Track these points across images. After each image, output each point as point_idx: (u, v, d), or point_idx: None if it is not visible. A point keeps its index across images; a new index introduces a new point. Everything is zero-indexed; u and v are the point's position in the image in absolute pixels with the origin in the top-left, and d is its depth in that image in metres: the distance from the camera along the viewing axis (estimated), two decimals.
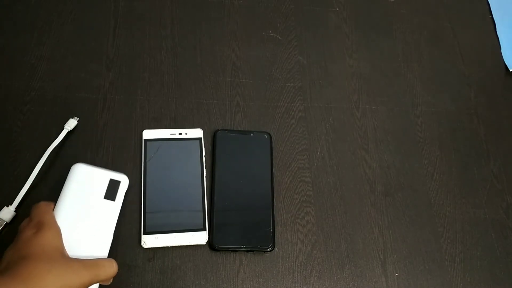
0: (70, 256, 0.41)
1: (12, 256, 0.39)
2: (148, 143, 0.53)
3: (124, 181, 0.49)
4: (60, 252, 0.41)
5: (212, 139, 0.55)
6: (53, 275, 0.37)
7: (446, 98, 0.64)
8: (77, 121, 0.53)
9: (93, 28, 0.60)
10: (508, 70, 0.68)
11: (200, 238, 0.49)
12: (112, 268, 0.43)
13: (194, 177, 0.52)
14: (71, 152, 0.52)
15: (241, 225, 0.51)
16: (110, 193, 0.48)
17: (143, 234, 0.49)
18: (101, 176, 0.49)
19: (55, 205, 0.45)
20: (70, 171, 0.48)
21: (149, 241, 0.48)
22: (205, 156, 0.54)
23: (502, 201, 0.58)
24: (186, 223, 0.50)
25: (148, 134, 0.54)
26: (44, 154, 0.50)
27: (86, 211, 0.46)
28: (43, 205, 0.44)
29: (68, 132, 0.52)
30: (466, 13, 0.71)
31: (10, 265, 0.38)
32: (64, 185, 0.47)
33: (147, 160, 0.52)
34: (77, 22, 0.60)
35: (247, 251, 0.50)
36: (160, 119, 0.56)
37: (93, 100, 0.56)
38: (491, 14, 0.72)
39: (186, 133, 0.55)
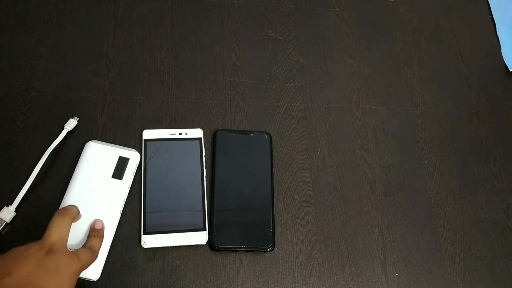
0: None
1: (32, 277, 0.36)
2: (148, 143, 0.53)
3: (133, 157, 0.51)
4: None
5: (212, 139, 0.55)
6: None
7: (446, 98, 0.64)
8: (77, 121, 0.53)
9: (93, 28, 0.60)
10: (508, 70, 0.67)
11: (200, 238, 0.49)
12: (91, 257, 0.43)
13: (194, 177, 0.52)
14: (71, 152, 0.52)
15: (241, 225, 0.51)
16: (118, 172, 0.50)
17: (143, 234, 0.49)
18: (110, 154, 0.51)
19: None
20: (83, 150, 0.51)
21: (149, 241, 0.48)
22: (205, 156, 0.54)
23: (502, 201, 0.58)
24: (186, 223, 0.50)
25: (148, 134, 0.54)
26: (44, 154, 0.50)
27: (94, 191, 0.48)
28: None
29: (68, 132, 0.52)
30: (466, 13, 0.71)
31: None
32: (77, 164, 0.50)
33: (147, 160, 0.52)
34: (77, 22, 0.60)
35: (247, 251, 0.50)
36: (160, 119, 0.56)
37: (93, 100, 0.56)
38: (491, 14, 0.72)
39: (186, 133, 0.55)
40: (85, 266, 0.41)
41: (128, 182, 0.50)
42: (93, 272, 0.45)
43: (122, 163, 0.50)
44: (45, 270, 0.37)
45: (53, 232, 0.40)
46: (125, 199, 0.50)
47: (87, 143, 0.51)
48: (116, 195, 0.49)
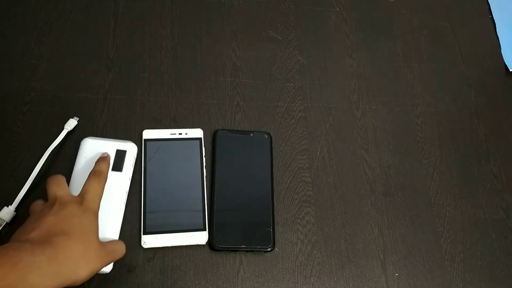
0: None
1: (55, 226, 0.38)
2: (148, 143, 0.53)
3: (130, 149, 0.51)
4: (96, 236, 0.41)
5: (212, 139, 0.55)
6: (85, 262, 0.38)
7: (446, 98, 0.64)
8: (77, 121, 0.53)
9: (93, 28, 0.60)
10: (508, 70, 0.67)
11: (200, 238, 0.49)
12: (123, 252, 0.45)
13: (194, 177, 0.52)
14: (71, 152, 0.52)
15: (241, 225, 0.51)
16: (117, 164, 0.50)
17: (143, 234, 0.49)
18: (108, 148, 0.51)
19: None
20: (79, 147, 0.51)
21: (149, 241, 0.48)
22: (205, 156, 0.54)
23: (502, 201, 0.58)
24: (186, 223, 0.50)
25: (148, 134, 0.54)
26: (44, 154, 0.50)
27: None
28: (98, 186, 0.44)
29: (68, 132, 0.52)
30: (466, 13, 0.71)
31: (50, 236, 0.37)
32: (75, 161, 0.50)
33: (147, 160, 0.52)
34: (77, 22, 0.60)
35: (247, 251, 0.50)
36: (160, 119, 0.56)
37: (93, 100, 0.56)
38: (491, 14, 0.72)
39: (186, 133, 0.55)
40: (94, 204, 0.43)
41: (129, 173, 0.50)
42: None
43: (120, 155, 0.50)
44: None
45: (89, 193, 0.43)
46: (128, 190, 0.50)
47: (83, 140, 0.51)
48: (119, 187, 0.49)
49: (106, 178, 0.46)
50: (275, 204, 0.53)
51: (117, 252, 0.44)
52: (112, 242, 0.45)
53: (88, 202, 0.42)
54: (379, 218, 0.55)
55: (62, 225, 0.39)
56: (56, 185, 0.43)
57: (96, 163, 0.47)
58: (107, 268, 0.46)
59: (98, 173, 0.45)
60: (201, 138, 0.55)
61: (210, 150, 0.55)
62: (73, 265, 0.37)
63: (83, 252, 0.38)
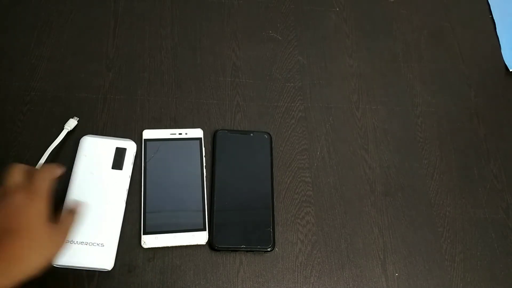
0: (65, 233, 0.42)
1: (1, 222, 0.38)
2: (148, 143, 0.53)
3: (130, 147, 0.52)
4: (44, 222, 0.39)
5: (212, 139, 0.55)
6: (37, 253, 0.38)
7: (446, 98, 0.64)
8: (77, 121, 0.53)
9: (93, 28, 0.60)
10: (508, 70, 0.67)
11: (200, 238, 0.49)
12: (76, 217, 0.44)
13: (194, 177, 0.52)
14: (71, 152, 0.52)
15: (241, 225, 0.51)
16: (117, 163, 0.50)
17: (143, 234, 0.49)
18: (107, 146, 0.51)
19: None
20: (79, 145, 0.51)
21: (149, 241, 0.48)
22: (205, 156, 0.54)
23: (502, 201, 0.58)
24: (186, 223, 0.50)
25: (148, 134, 0.54)
26: (44, 154, 0.50)
27: (96, 184, 0.49)
28: (46, 172, 0.43)
29: (68, 132, 0.52)
30: (466, 13, 0.71)
31: None
32: (75, 160, 0.50)
33: (147, 160, 0.52)
34: (77, 22, 0.60)
35: (247, 251, 0.50)
36: (160, 119, 0.56)
37: (93, 100, 0.56)
38: (491, 14, 0.72)
39: (186, 133, 0.55)
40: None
41: (128, 171, 0.51)
42: (106, 262, 0.46)
43: (120, 153, 0.51)
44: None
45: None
46: (128, 188, 0.50)
47: (82, 138, 0.51)
48: (119, 185, 0.49)
49: (55, 168, 0.44)
50: (275, 204, 0.53)
51: (69, 223, 0.43)
52: (62, 219, 0.43)
53: (34, 188, 0.40)
54: (379, 218, 0.55)
55: (6, 221, 0.38)
56: (8, 174, 0.41)
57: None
58: (108, 266, 0.46)
59: (48, 165, 0.45)
60: (201, 138, 0.55)
61: (210, 150, 0.55)
62: (24, 260, 0.37)
63: (32, 244, 0.37)
